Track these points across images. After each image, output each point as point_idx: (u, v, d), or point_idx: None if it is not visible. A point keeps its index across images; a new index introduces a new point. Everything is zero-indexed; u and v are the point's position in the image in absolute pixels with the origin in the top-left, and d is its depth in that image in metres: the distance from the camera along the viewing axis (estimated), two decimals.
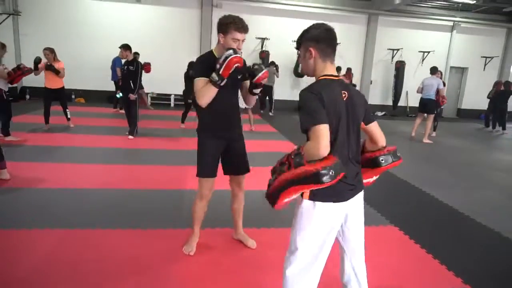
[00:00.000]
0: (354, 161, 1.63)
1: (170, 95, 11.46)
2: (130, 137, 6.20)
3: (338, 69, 9.82)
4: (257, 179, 2.78)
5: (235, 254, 2.63)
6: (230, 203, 2.75)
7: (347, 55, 11.91)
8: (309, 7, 11.42)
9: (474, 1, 11.20)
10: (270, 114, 10.64)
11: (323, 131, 1.43)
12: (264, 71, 2.28)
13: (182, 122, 7.81)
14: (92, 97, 10.81)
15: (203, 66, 2.28)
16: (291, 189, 1.43)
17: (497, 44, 13.39)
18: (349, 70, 10.88)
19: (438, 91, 7.71)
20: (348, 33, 12.05)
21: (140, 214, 3.22)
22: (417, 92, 8.11)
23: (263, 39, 11.39)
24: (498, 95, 10.28)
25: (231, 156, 2.54)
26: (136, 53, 9.08)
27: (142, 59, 9.95)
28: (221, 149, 2.48)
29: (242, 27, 2.27)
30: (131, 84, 6.05)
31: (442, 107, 8.97)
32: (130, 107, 6.27)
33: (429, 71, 8.10)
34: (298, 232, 1.58)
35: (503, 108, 10.13)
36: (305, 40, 1.65)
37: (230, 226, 2.86)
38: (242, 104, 2.72)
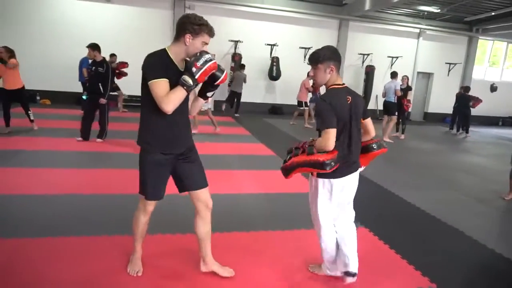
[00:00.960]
0: (355, 148, 2.24)
1: (138, 97, 11.19)
2: (99, 140, 5.98)
3: None
4: (241, 181, 2.75)
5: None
6: (194, 227, 2.31)
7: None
8: (282, 11, 11.52)
9: (438, 10, 11.71)
10: (236, 115, 10.70)
11: (332, 134, 2.09)
12: (224, 73, 2.13)
13: None
14: (59, 98, 10.40)
15: (161, 66, 2.00)
16: (302, 169, 2.13)
17: (460, 51, 14.05)
18: None
19: (395, 92, 8.38)
20: (320, 38, 12.26)
21: (107, 220, 3.10)
22: (382, 96, 8.82)
23: (236, 42, 11.38)
24: (460, 99, 10.78)
25: (189, 168, 2.22)
26: (113, 55, 8.84)
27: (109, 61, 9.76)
28: (172, 164, 2.17)
29: (212, 31, 2.12)
30: (101, 87, 5.77)
31: (409, 110, 9.35)
32: (101, 111, 5.97)
33: (397, 76, 8.60)
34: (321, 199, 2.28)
35: (466, 112, 10.62)
36: (326, 59, 2.20)
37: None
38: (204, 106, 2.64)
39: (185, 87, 1.97)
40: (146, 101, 2.05)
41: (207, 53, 2.02)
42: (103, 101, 5.83)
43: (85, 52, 8.53)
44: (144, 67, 2.01)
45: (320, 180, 2.23)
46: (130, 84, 10.03)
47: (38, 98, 10.34)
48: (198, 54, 2.01)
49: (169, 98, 1.96)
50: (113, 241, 2.73)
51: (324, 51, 2.22)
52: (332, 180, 2.20)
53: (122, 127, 7.58)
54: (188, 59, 2.06)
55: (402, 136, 9.03)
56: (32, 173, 4.21)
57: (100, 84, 5.75)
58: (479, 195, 4.75)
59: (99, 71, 5.73)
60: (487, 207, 4.36)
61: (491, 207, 4.38)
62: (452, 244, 3.24)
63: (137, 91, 8.56)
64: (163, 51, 2.07)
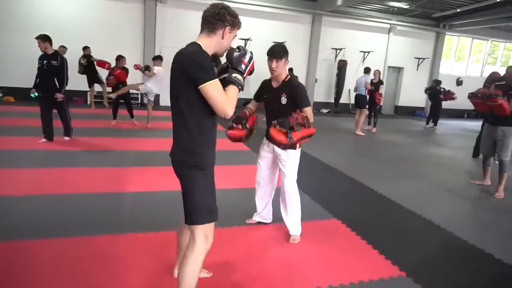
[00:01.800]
0: None
1: (112, 93, 10.89)
2: (66, 138, 5.71)
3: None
4: None
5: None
6: (178, 233, 2.17)
7: (292, 53, 12.07)
8: (256, 5, 11.47)
9: (408, 6, 12.01)
10: None
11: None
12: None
13: (114, 118, 7.60)
14: (23, 95, 9.91)
15: (211, 64, 1.70)
16: (306, 139, 2.65)
17: (428, 46, 14.50)
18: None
19: (365, 85, 8.60)
20: (293, 32, 12.33)
21: (75, 220, 3.00)
22: (354, 91, 9.06)
23: None
24: (431, 93, 11.11)
25: None
26: (63, 47, 8.48)
27: (77, 55, 9.42)
28: None
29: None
30: (56, 82, 5.32)
31: (381, 104, 9.57)
32: (59, 108, 5.53)
33: (370, 71, 8.86)
34: (296, 165, 2.90)
35: (436, 105, 10.98)
36: (287, 54, 2.76)
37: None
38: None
39: (240, 87, 1.74)
40: (192, 108, 1.70)
41: (241, 48, 1.83)
42: (59, 96, 5.38)
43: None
44: (195, 66, 1.64)
45: (299, 151, 2.87)
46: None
47: (1, 95, 9.84)
48: (240, 49, 1.82)
49: (232, 101, 1.69)
50: (87, 242, 2.64)
51: (285, 47, 2.79)
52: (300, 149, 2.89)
53: (89, 124, 7.36)
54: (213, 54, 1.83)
55: (374, 130, 9.24)
56: None
57: (55, 79, 5.31)
58: (447, 185, 4.93)
59: (53, 65, 5.26)
60: (454, 196, 4.53)
61: (458, 196, 4.55)
62: (421, 233, 3.35)
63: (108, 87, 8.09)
64: (200, 47, 1.74)
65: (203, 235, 1.77)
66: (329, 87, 13.48)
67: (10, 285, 2.10)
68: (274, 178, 3.09)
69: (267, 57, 2.76)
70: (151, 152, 5.47)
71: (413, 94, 14.31)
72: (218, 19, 1.76)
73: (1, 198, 3.34)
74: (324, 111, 13.29)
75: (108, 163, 4.73)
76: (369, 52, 13.35)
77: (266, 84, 2.96)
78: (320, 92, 13.35)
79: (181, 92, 1.71)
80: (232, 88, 1.72)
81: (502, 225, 3.75)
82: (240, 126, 2.76)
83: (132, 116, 7.68)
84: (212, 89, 1.64)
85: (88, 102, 9.74)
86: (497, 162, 4.72)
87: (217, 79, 1.66)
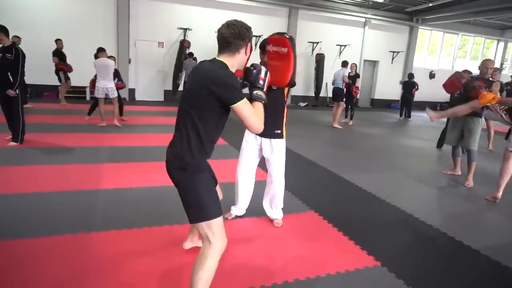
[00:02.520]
0: None
1: (85, 87, 10.57)
2: (12, 144, 5.01)
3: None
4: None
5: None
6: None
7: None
8: None
9: (382, 0, 12.20)
10: None
11: None
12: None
13: (89, 114, 7.38)
14: None
15: (240, 85, 1.83)
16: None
17: (402, 40, 14.81)
18: None
19: (343, 78, 8.75)
20: (270, 26, 12.25)
21: (47, 219, 2.90)
22: (332, 84, 9.16)
23: (185, 30, 11.05)
24: (405, 86, 11.42)
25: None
26: (16, 37, 8.10)
27: (48, 48, 9.07)
28: None
29: None
30: (10, 76, 4.83)
31: (357, 97, 9.71)
32: (10, 106, 4.99)
33: (348, 65, 8.99)
34: (284, 155, 3.03)
35: (408, 98, 11.30)
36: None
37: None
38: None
39: (263, 101, 1.88)
40: (202, 118, 1.76)
41: (257, 64, 1.95)
42: (11, 92, 4.85)
43: (23, 42, 7.93)
44: (229, 89, 1.72)
45: (284, 140, 3.00)
46: (72, 74, 9.46)
47: None
48: (256, 67, 1.93)
49: (261, 117, 1.82)
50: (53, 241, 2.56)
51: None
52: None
53: (60, 120, 7.12)
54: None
55: (351, 122, 9.38)
56: None
57: (9, 73, 4.83)
58: (420, 175, 5.07)
59: (7, 58, 4.81)
60: (427, 186, 4.67)
61: (431, 186, 4.70)
62: (396, 223, 3.43)
63: (81, 82, 8.02)
64: (227, 66, 1.80)
65: (217, 234, 1.84)
66: (307, 81, 13.57)
67: None
68: (255, 171, 3.14)
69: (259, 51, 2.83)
70: (125, 148, 5.34)
71: (389, 87, 14.62)
72: (240, 38, 1.82)
73: None
74: (302, 104, 13.38)
75: (81, 159, 4.59)
76: (345, 45, 13.50)
77: None
78: (299, 86, 13.41)
79: (202, 106, 1.76)
80: (258, 105, 1.85)
81: (471, 212, 3.90)
82: None
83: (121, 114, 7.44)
84: (245, 107, 1.74)
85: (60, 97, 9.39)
86: (464, 152, 4.91)
87: (246, 99, 1.77)
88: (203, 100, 1.75)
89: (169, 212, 3.12)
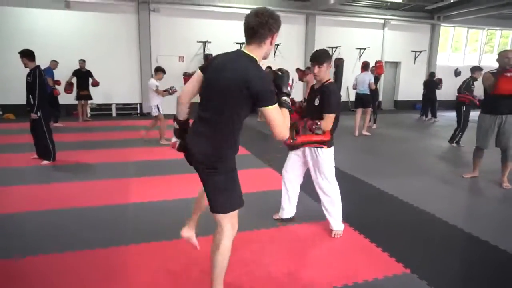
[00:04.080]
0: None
1: (111, 104, 10.96)
2: (45, 162, 5.22)
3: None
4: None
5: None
6: (197, 200, 2.35)
7: (288, 55, 12.19)
8: (248, 9, 11.48)
9: (401, 0, 12.01)
10: None
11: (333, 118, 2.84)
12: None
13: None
14: (23, 112, 9.97)
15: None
16: (315, 144, 2.88)
17: (424, 39, 14.48)
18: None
19: (369, 85, 8.27)
20: (288, 34, 12.33)
21: (75, 234, 3.01)
22: (353, 88, 8.72)
23: (204, 43, 11.28)
24: (427, 85, 11.11)
25: None
26: (54, 61, 8.52)
27: (75, 69, 9.49)
28: None
29: None
30: (31, 99, 4.99)
31: (379, 100, 9.40)
32: (35, 127, 5.14)
33: (369, 67, 8.58)
34: (330, 164, 3.00)
35: (432, 98, 10.98)
36: (329, 59, 2.90)
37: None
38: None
39: (289, 109, 1.89)
40: (236, 120, 1.83)
41: (283, 70, 1.98)
42: (33, 116, 5.02)
43: (47, 63, 8.35)
44: (265, 89, 1.73)
45: (330, 149, 2.95)
46: (98, 92, 9.84)
47: (0, 113, 9.91)
48: (283, 72, 1.97)
49: (287, 125, 1.84)
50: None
51: (326, 53, 2.93)
52: (332, 148, 2.98)
53: (93, 137, 7.38)
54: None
55: (374, 126, 9.21)
56: None
57: (30, 96, 5.00)
58: (448, 178, 4.91)
59: (27, 81, 5.02)
60: (456, 188, 4.51)
61: (460, 188, 4.53)
62: (426, 229, 3.33)
63: (105, 99, 8.32)
64: (257, 61, 1.80)
65: (231, 222, 1.95)
66: None
67: None
68: (299, 179, 3.23)
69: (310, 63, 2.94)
70: (150, 162, 5.48)
71: (412, 87, 14.28)
72: (267, 28, 1.78)
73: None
74: None
75: (105, 175, 4.74)
76: (365, 48, 13.35)
77: (311, 88, 3.13)
78: None
79: (236, 104, 1.79)
80: (285, 112, 1.85)
81: (504, 215, 3.72)
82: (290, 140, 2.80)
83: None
84: (275, 113, 1.76)
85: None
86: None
87: (277, 104, 1.79)
88: (238, 98, 1.76)
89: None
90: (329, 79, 2.93)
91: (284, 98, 1.89)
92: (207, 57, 11.02)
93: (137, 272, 2.45)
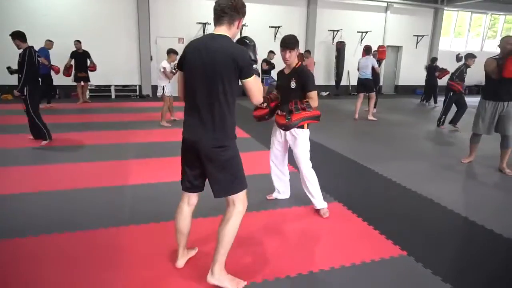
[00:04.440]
0: None
1: (110, 86, 10.87)
2: (44, 142, 5.22)
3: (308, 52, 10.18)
4: None
5: None
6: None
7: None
8: None
9: None
10: None
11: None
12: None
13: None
14: None
15: None
16: (308, 121, 2.91)
17: (427, 23, 14.29)
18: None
19: (373, 70, 8.22)
20: (289, 16, 12.16)
21: (75, 215, 3.03)
22: (358, 70, 8.62)
23: (204, 24, 11.11)
24: (428, 71, 11.03)
25: None
26: (49, 41, 8.41)
27: (72, 50, 9.38)
28: None
29: None
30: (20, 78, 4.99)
31: (380, 84, 9.33)
32: (25, 107, 5.13)
33: (372, 51, 8.50)
34: (307, 146, 3.08)
35: (433, 83, 10.91)
36: (298, 44, 2.98)
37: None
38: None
39: (258, 75, 1.99)
40: (230, 96, 1.89)
41: (250, 38, 2.14)
42: (16, 93, 5.02)
43: (42, 43, 8.24)
44: (246, 62, 1.87)
45: (307, 131, 3.05)
46: (96, 73, 9.74)
47: None
48: (251, 39, 2.11)
49: (261, 90, 1.99)
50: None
51: (295, 38, 2.91)
52: (308, 130, 3.09)
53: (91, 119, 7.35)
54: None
55: (374, 110, 9.18)
56: None
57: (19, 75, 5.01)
58: (445, 162, 4.94)
59: (18, 61, 5.02)
60: (454, 173, 4.54)
61: (458, 173, 4.56)
62: (423, 212, 3.36)
63: (105, 81, 8.26)
64: (232, 40, 1.95)
65: (242, 200, 2.04)
66: (327, 70, 13.37)
67: (19, 281, 2.14)
68: (285, 161, 3.37)
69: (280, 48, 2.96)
70: (149, 144, 5.48)
71: (413, 72, 14.18)
72: (235, 11, 1.91)
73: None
74: (324, 94, 13.22)
75: (104, 157, 4.75)
76: (366, 32, 13.19)
77: (280, 73, 3.20)
78: (320, 75, 13.25)
79: (228, 80, 1.87)
80: (258, 79, 1.95)
81: (502, 200, 3.76)
82: (264, 105, 3.04)
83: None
84: (254, 82, 1.90)
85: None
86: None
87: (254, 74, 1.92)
88: (230, 75, 1.85)
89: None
90: (299, 63, 3.02)
91: (255, 66, 1.97)
92: None
93: (136, 252, 2.48)
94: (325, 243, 2.71)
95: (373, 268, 2.38)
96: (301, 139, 3.05)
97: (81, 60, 9.13)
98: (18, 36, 5.04)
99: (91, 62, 9.21)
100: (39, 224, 2.83)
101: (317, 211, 3.17)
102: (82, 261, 2.35)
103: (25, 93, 5.01)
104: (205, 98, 1.88)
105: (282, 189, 3.44)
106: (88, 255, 2.42)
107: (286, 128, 2.92)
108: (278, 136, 3.21)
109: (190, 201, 2.17)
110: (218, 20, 1.93)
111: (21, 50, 5.05)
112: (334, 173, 4.45)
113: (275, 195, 3.47)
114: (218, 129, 1.90)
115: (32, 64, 5.02)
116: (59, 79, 8.91)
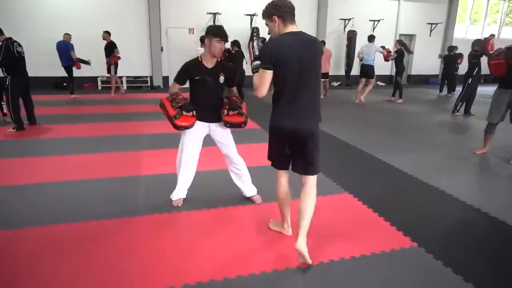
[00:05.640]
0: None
1: (121, 77, 10.95)
2: (10, 130, 5.46)
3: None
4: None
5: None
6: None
7: (299, 26, 11.87)
8: None
9: None
10: None
11: None
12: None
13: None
14: (38, 84, 10.04)
15: None
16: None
17: (441, 10, 13.94)
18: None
19: (382, 53, 8.69)
20: (299, 3, 11.86)
21: (87, 205, 3.11)
22: (358, 58, 9.05)
23: (214, 14, 11.05)
24: (446, 60, 10.81)
25: None
26: (67, 34, 8.47)
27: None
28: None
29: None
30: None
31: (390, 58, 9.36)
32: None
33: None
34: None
35: (450, 72, 10.69)
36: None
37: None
38: None
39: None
40: (318, 85, 2.33)
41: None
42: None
43: (57, 36, 8.34)
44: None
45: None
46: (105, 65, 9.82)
47: None
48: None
49: None
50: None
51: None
52: None
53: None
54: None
55: (400, 100, 9.29)
56: None
57: None
58: (459, 153, 4.87)
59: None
60: (468, 165, 4.49)
61: (472, 165, 4.50)
62: (434, 203, 3.34)
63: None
64: None
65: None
66: (338, 59, 13.20)
67: (36, 268, 2.22)
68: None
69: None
70: (162, 135, 5.53)
71: (426, 61, 13.92)
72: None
73: (15, 187, 3.48)
74: (335, 84, 13.08)
75: (116, 147, 4.81)
76: (379, 20, 12.94)
77: (197, 65, 2.87)
78: (330, 65, 13.09)
79: (316, 71, 2.23)
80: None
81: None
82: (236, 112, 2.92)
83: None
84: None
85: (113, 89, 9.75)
86: None
87: None
88: (319, 63, 2.25)
89: (212, 194, 3.23)
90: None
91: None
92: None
93: (149, 243, 2.54)
94: (335, 233, 2.72)
95: (384, 259, 2.39)
96: (229, 131, 3.04)
97: (105, 51, 9.16)
98: None
99: (114, 54, 9.18)
100: (51, 214, 2.91)
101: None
102: (100, 249, 2.41)
103: (7, 83, 5.33)
104: (307, 87, 2.18)
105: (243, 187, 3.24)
106: (105, 244, 2.48)
107: (244, 125, 2.97)
108: (199, 133, 2.98)
109: (286, 174, 2.48)
110: (292, 19, 2.20)
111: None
112: (344, 164, 4.44)
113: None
114: (317, 114, 2.26)
115: (8, 56, 5.24)
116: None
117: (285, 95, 2.18)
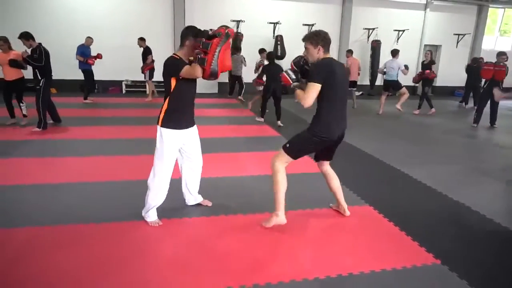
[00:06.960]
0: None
1: (145, 81, 11.20)
2: (35, 129, 5.79)
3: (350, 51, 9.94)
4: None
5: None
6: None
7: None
8: None
9: None
10: (239, 97, 10.54)
11: None
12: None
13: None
14: (65, 86, 10.42)
15: None
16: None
17: (469, 21, 13.62)
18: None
19: (402, 72, 8.41)
20: (323, 14, 11.98)
21: (89, 208, 3.17)
22: (379, 72, 9.06)
23: (238, 22, 11.18)
24: (469, 72, 10.54)
25: None
26: (89, 38, 8.69)
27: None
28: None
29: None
30: (38, 74, 5.79)
31: (435, 78, 9.30)
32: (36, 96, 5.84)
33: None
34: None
35: (475, 84, 10.40)
36: (312, 40, 2.83)
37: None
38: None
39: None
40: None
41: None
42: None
43: (82, 40, 8.63)
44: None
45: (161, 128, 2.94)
46: (132, 70, 10.07)
47: None
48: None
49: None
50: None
51: (309, 34, 2.84)
52: None
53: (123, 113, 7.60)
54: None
55: (433, 110, 9.14)
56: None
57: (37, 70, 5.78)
58: (486, 168, 4.70)
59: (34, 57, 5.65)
60: (494, 179, 4.32)
61: (498, 179, 4.34)
62: (459, 219, 3.23)
63: (142, 76, 8.50)
64: None
65: None
66: (362, 69, 13.04)
67: (58, 267, 2.27)
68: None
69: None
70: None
71: (452, 73, 13.58)
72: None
73: (14, 187, 3.59)
74: (357, 93, 12.92)
75: (137, 151, 4.90)
76: (403, 30, 12.76)
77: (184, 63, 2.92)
78: (353, 74, 12.97)
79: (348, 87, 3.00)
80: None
81: None
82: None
83: None
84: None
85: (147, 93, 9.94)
86: None
87: None
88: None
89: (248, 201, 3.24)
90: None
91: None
92: (237, 36, 10.60)
93: (158, 246, 2.56)
94: (355, 247, 2.67)
95: (405, 275, 2.33)
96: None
97: (142, 57, 9.35)
98: (25, 36, 5.63)
99: (147, 61, 9.35)
100: (53, 215, 2.98)
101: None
102: (111, 252, 2.45)
103: (40, 84, 5.78)
104: (343, 100, 2.77)
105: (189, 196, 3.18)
106: (112, 247, 2.52)
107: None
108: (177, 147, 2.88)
109: (325, 163, 3.06)
110: (329, 48, 2.73)
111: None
112: (366, 176, 4.36)
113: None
114: (346, 120, 2.85)
115: (46, 60, 5.73)
116: (97, 74, 9.27)
117: (336, 105, 2.69)
